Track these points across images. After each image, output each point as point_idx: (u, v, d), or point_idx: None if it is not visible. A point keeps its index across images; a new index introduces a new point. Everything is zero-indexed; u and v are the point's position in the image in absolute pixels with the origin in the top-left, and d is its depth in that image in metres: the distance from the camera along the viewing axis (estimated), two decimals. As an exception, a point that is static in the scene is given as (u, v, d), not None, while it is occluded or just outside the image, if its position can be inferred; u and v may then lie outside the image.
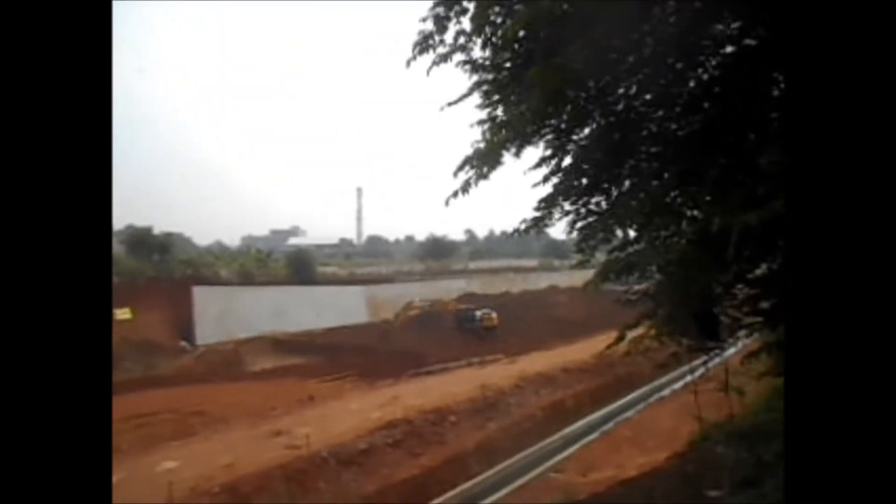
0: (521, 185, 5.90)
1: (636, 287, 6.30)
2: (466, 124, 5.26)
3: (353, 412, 15.48)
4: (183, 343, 27.57)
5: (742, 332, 5.93)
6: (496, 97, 5.07)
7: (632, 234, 5.52)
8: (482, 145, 4.85)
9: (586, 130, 5.25)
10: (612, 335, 6.22)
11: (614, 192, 5.41)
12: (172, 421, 15.82)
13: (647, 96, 4.83)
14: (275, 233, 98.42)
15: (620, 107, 4.93)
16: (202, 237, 78.87)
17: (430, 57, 4.74)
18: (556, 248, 62.44)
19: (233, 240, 79.33)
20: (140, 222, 43.63)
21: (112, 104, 2.19)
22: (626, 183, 5.34)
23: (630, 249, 5.44)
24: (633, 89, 4.82)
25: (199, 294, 29.47)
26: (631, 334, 6.06)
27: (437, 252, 67.93)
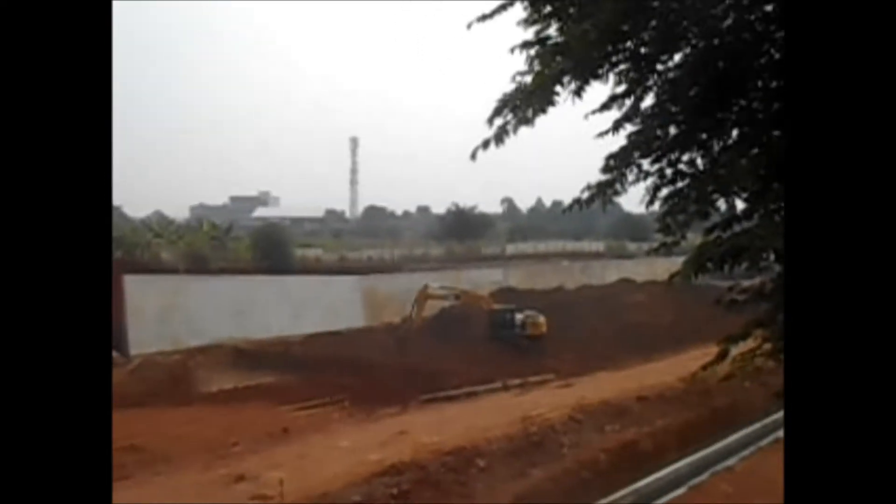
0: (581, 135, 5.85)
1: (745, 283, 6.23)
2: (504, 49, 5.23)
3: (344, 451, 15.66)
4: (112, 353, 28.22)
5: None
6: (547, 9, 5.02)
7: (740, 205, 5.45)
8: (528, 78, 4.81)
9: (677, 57, 5.18)
10: (710, 350, 6.19)
11: (715, 146, 5.34)
12: (97, 458, 16.20)
13: (767, 7, 4.73)
14: (236, 200, 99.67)
15: (728, 23, 4.84)
16: (136, 206, 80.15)
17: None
18: (630, 226, 62.05)
19: (179, 210, 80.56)
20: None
21: (112, 104, 2.93)
22: (734, 132, 5.26)
23: (737, 227, 5.38)
24: (747, -3, 4.73)
25: (133, 285, 29.94)
26: (736, 349, 6.02)
27: (462, 230, 67.98)
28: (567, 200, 5.64)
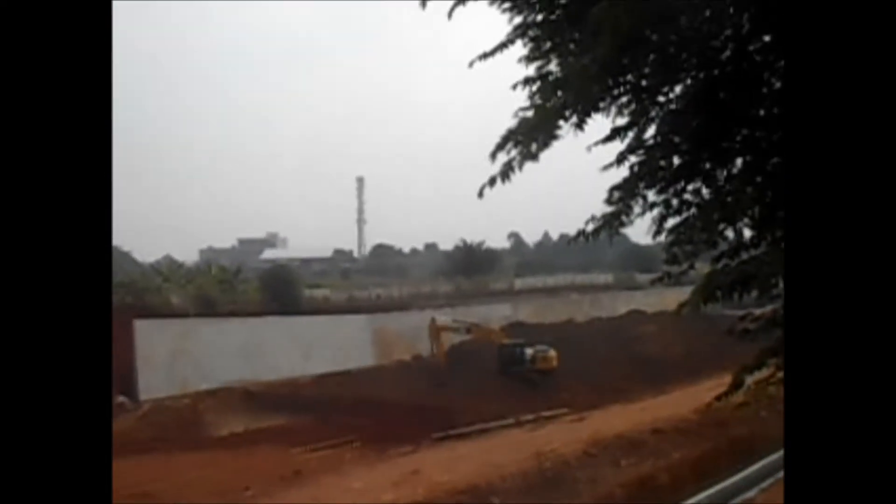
0: (585, 168, 5.87)
1: (757, 311, 6.19)
2: (507, 86, 5.28)
3: (357, 492, 15.52)
4: (121, 398, 28.09)
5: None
6: (548, 45, 5.07)
7: (747, 233, 5.44)
8: (530, 113, 4.85)
9: (678, 88, 5.21)
10: (724, 381, 6.13)
11: (720, 176, 5.35)
12: (108, 506, 16.08)
13: (766, 38, 4.77)
14: (244, 243, 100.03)
15: (727, 54, 4.88)
16: (146, 251, 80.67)
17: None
18: (638, 257, 61.88)
19: (188, 254, 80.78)
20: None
21: (112, 104, 2.92)
22: (738, 161, 5.27)
23: (745, 255, 5.36)
24: (745, 28, 4.76)
25: (143, 329, 30.02)
26: (751, 379, 5.97)
27: (470, 266, 67.99)
28: (573, 233, 5.64)
